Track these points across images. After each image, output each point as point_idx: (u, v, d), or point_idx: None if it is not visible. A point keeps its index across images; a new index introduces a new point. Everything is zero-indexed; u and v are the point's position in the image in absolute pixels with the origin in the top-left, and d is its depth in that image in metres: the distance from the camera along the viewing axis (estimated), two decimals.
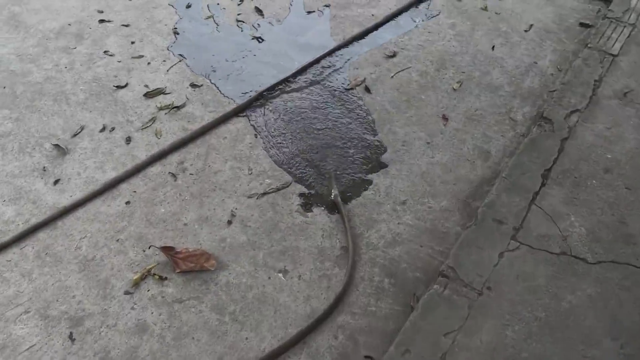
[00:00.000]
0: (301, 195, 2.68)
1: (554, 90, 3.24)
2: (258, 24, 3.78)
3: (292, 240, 2.49)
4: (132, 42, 3.56)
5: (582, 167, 2.73)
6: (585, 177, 2.68)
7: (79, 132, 2.94)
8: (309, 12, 3.90)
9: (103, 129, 2.96)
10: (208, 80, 3.30)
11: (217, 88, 3.24)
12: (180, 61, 3.43)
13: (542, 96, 3.25)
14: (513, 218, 2.50)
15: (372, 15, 3.88)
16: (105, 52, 3.48)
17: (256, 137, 2.96)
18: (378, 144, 2.95)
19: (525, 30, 3.76)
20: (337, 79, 3.35)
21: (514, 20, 3.85)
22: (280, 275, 2.37)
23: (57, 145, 2.85)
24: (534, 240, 2.40)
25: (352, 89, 3.27)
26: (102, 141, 2.90)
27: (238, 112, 3.08)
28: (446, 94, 3.27)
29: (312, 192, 2.71)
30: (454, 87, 3.30)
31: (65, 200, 2.61)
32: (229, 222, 2.54)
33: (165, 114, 3.06)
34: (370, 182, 2.76)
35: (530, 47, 3.62)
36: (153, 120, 3.02)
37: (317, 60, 3.45)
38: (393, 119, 3.09)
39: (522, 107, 3.18)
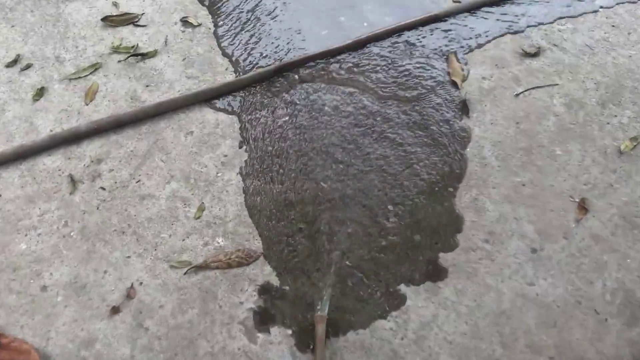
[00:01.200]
0: (264, 290, 1.47)
1: None
2: None
3: None
4: None
5: None
6: None
7: None
8: None
9: (14, 62, 1.83)
10: (210, 20, 2.01)
11: (217, 39, 1.96)
12: None
13: None
14: None
15: None
16: None
17: (240, 148, 1.71)
18: (445, 224, 1.61)
19: None
20: (422, 73, 1.94)
21: None
22: None
23: None
24: None
25: (449, 89, 1.87)
26: (1, 85, 1.78)
27: (233, 90, 1.82)
28: (603, 157, 1.78)
29: (286, 289, 1.48)
30: (622, 147, 1.80)
31: None
32: (115, 310, 1.40)
33: (119, 61, 1.86)
34: (399, 303, 1.48)
35: None
36: (95, 68, 1.83)
37: (399, 30, 2.03)
38: (489, 181, 1.70)
39: None
